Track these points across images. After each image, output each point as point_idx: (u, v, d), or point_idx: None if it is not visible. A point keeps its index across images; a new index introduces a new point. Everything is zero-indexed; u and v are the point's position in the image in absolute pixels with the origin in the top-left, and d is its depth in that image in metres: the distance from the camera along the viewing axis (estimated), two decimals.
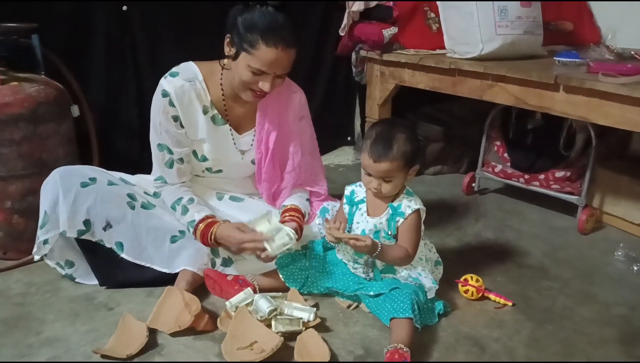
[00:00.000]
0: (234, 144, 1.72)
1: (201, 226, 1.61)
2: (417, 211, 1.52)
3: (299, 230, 1.65)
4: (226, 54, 1.57)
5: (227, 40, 1.55)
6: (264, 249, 1.53)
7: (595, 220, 2.16)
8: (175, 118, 1.63)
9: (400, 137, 1.46)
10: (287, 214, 1.70)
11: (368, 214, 1.56)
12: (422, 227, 1.58)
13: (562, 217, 2.25)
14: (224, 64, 1.62)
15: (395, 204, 1.53)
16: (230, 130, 1.71)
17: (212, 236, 1.59)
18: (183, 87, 1.61)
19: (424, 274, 1.57)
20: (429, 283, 1.55)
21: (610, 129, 1.81)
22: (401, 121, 1.60)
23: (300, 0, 2.52)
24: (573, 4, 2.60)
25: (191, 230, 1.63)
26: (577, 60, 2.01)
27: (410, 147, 1.47)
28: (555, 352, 1.44)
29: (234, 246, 1.59)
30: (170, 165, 1.67)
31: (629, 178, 2.12)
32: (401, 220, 1.52)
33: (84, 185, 1.59)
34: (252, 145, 1.75)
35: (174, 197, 1.67)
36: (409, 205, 1.52)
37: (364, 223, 1.56)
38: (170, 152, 1.66)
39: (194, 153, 1.71)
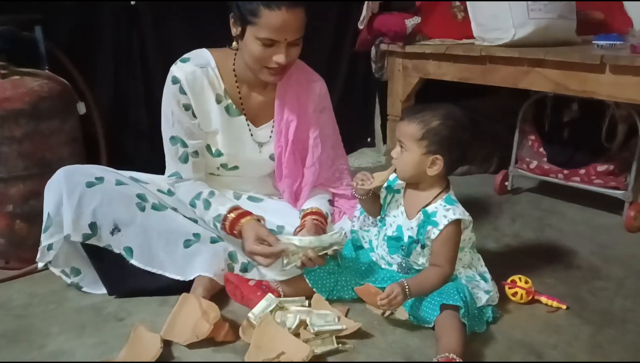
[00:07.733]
0: (251, 136, 1.59)
1: (231, 215, 1.49)
2: (455, 221, 1.33)
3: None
4: (233, 35, 1.46)
5: (231, 20, 1.45)
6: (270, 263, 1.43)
7: None
8: (187, 107, 1.52)
9: (438, 113, 1.33)
10: (308, 218, 1.56)
11: (406, 213, 1.41)
12: (474, 238, 1.42)
13: (605, 215, 2.09)
14: (235, 47, 1.51)
15: (429, 210, 1.35)
16: (247, 121, 1.58)
17: (239, 229, 1.48)
18: (194, 73, 1.51)
19: (478, 277, 1.41)
20: (484, 288, 1.39)
21: None
22: (457, 110, 1.38)
23: None
24: None
25: (218, 225, 1.50)
26: (618, 42, 1.87)
27: (435, 123, 1.31)
28: (621, 358, 1.28)
29: (245, 251, 1.48)
30: (185, 159, 1.55)
31: None
32: (434, 230, 1.33)
33: (89, 185, 1.46)
34: (270, 138, 1.61)
35: (192, 193, 1.55)
36: (445, 214, 1.33)
37: (400, 218, 1.41)
38: (184, 145, 1.53)
39: (208, 147, 1.59)
